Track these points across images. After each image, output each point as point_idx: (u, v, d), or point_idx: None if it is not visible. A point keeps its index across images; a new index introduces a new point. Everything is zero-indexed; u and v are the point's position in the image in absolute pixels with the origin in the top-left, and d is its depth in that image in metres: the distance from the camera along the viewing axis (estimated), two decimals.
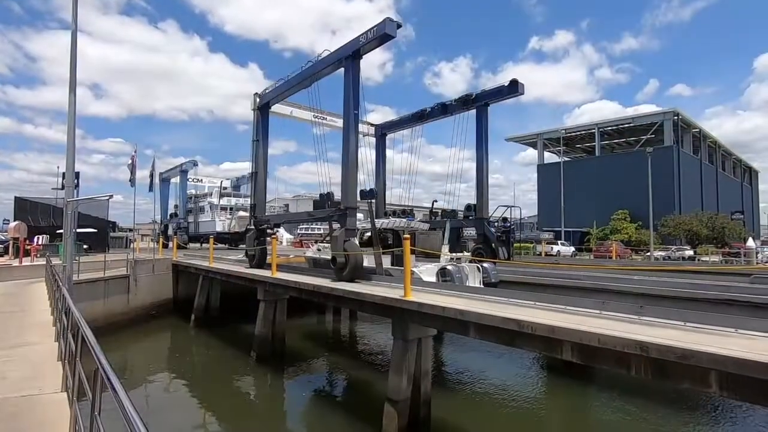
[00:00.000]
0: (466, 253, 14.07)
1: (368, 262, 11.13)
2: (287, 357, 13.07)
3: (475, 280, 11.15)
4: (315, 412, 9.66)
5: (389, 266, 11.77)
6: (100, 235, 27.70)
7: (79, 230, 17.45)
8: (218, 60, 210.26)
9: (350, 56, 11.29)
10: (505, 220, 17.81)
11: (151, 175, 25.15)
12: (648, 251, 32.98)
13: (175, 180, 39.83)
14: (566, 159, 61.99)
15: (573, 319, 5.63)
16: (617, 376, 10.45)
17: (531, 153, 71.81)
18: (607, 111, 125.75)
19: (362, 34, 10.88)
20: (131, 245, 27.36)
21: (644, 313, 5.58)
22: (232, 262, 18.09)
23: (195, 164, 39.48)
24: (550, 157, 64.91)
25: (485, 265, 11.71)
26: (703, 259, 29.43)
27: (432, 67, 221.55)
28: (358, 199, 11.48)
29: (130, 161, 21.20)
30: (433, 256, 12.49)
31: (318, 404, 10.05)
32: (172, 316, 18.25)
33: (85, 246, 23.19)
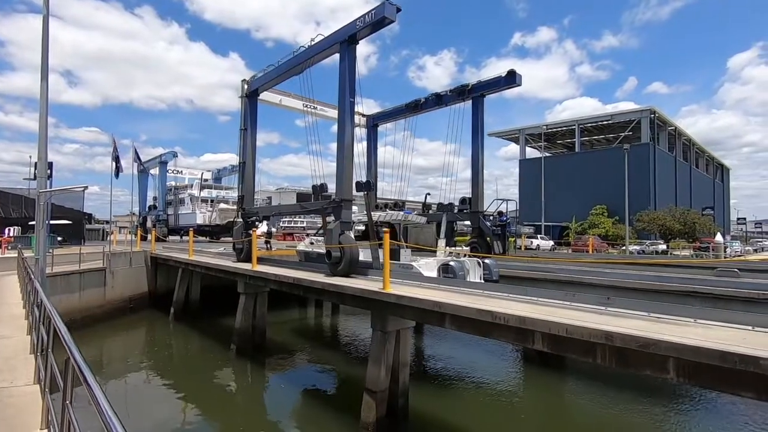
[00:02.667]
0: (464, 248, 13.74)
1: (363, 256, 10.77)
2: (268, 349, 13.08)
3: (475, 276, 10.89)
4: (294, 402, 9.73)
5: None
6: (75, 226, 27.01)
7: (53, 222, 16.99)
8: (198, 48, 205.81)
9: (346, 41, 10.82)
10: (500, 213, 17.41)
11: (137, 160, 24.54)
12: (624, 245, 33.95)
13: (154, 171, 39.01)
14: (547, 154, 63.00)
15: (544, 310, 5.83)
16: (589, 366, 10.85)
17: (513, 148, 72.61)
18: (588, 107, 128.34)
19: (359, 18, 10.37)
20: (108, 237, 26.75)
21: (611, 305, 5.82)
22: (213, 255, 17.91)
23: (175, 155, 38.75)
24: (531, 153, 65.79)
25: (487, 261, 11.46)
26: (675, 253, 30.50)
27: (416, 61, 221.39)
28: (354, 191, 11.05)
29: (113, 151, 20.60)
30: (427, 251, 12.28)
31: (298, 395, 10.12)
32: (150, 309, 18.00)
33: (59, 238, 22.63)
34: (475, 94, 15.75)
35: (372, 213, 11.65)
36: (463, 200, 16.39)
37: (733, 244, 37.86)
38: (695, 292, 9.27)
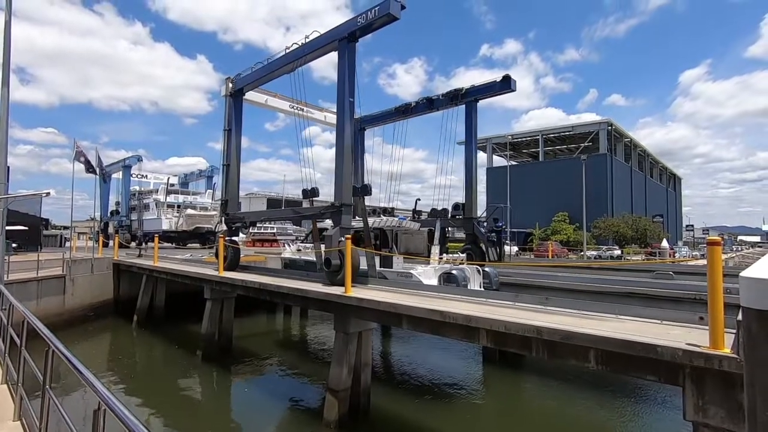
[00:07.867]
0: (461, 255, 13.39)
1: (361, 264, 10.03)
2: (234, 355, 13.18)
3: (475, 284, 10.73)
4: (260, 404, 9.95)
5: (379, 268, 11.14)
6: (32, 232, 25.98)
7: (7, 227, 16.39)
8: (163, 49, 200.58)
9: (345, 38, 10.37)
10: (496, 220, 17.22)
11: (99, 166, 23.87)
12: (583, 251, 35.72)
13: (117, 175, 37.84)
14: (513, 163, 65.27)
15: (490, 309, 6.42)
16: (546, 366, 11.61)
17: (483, 156, 74.70)
18: (552, 117, 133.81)
19: (360, 15, 9.89)
20: (67, 244, 25.84)
21: (548, 304, 6.48)
22: (179, 262, 17.78)
23: (139, 159, 37.68)
24: (498, 161, 68.00)
25: (487, 269, 11.29)
26: (627, 257, 32.42)
27: (386, 68, 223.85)
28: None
29: (76, 153, 19.97)
30: (419, 258, 11.82)
31: (263, 397, 10.34)
32: (113, 317, 17.63)
33: (14, 244, 21.74)
34: (468, 98, 15.69)
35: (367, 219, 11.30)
36: (456, 206, 16.14)
37: (682, 249, 40.48)
38: (633, 293, 10.20)
